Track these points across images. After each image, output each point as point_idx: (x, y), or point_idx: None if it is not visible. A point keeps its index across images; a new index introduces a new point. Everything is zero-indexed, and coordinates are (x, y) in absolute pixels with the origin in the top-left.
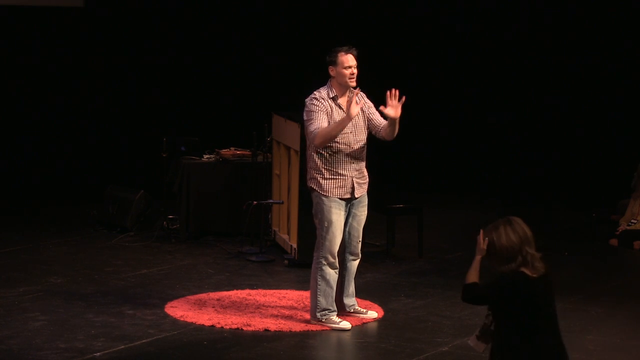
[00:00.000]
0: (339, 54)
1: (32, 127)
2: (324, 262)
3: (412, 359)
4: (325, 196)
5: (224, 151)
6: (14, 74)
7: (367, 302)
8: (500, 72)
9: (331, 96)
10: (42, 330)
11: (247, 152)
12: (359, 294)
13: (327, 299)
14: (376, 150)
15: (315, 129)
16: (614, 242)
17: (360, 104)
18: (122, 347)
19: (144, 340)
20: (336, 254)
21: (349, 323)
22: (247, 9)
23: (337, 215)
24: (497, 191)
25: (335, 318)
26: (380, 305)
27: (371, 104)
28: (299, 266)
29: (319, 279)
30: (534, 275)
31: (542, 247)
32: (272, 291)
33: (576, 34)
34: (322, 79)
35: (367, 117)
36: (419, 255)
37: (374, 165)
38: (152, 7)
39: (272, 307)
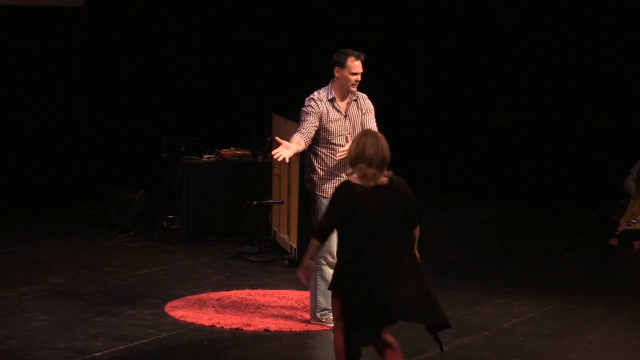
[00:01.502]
0: (349, 58)
1: (32, 127)
2: (323, 262)
3: (412, 359)
4: (323, 196)
5: (224, 151)
6: (13, 73)
7: None
8: (500, 72)
9: (329, 98)
10: (42, 330)
11: (247, 152)
12: None
13: (327, 299)
14: None
15: (297, 131)
16: (614, 242)
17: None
18: (122, 347)
19: (144, 340)
20: (335, 254)
21: None
22: (247, 9)
23: None
24: (497, 191)
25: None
26: None
27: (371, 108)
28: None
29: (318, 279)
30: (364, 185)
31: (542, 247)
32: (272, 291)
33: (575, 32)
34: (322, 80)
35: (362, 121)
36: (419, 255)
37: None
38: (152, 7)
39: (272, 307)
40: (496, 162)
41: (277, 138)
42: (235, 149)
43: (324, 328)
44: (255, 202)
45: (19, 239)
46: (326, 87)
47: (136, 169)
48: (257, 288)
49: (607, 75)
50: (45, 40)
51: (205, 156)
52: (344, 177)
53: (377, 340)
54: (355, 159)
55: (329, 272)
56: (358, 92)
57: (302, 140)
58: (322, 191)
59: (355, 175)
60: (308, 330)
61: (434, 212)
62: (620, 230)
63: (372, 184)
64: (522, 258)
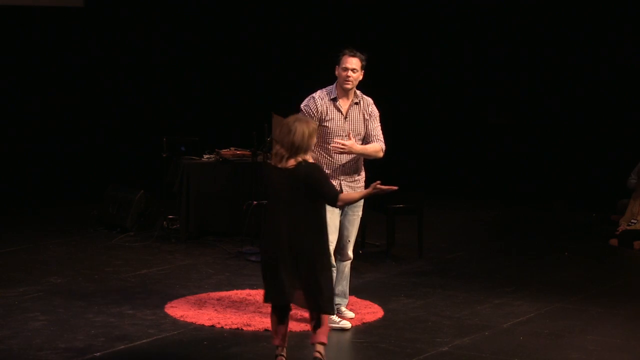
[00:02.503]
0: (343, 55)
1: (32, 127)
2: None
3: (412, 359)
4: None
5: (224, 151)
6: (13, 73)
7: (367, 302)
8: (500, 72)
9: (332, 97)
10: (42, 330)
11: (247, 152)
12: (359, 293)
13: None
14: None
15: None
16: (614, 242)
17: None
18: (122, 347)
19: (144, 340)
20: (331, 253)
21: (348, 323)
22: (247, 9)
23: (329, 215)
24: (497, 191)
25: (334, 317)
26: (380, 305)
27: (375, 114)
28: None
29: None
30: (276, 165)
31: (542, 247)
32: None
33: (577, 32)
34: (322, 80)
35: (366, 126)
36: (419, 255)
37: (374, 165)
38: (152, 7)
39: None
40: (496, 162)
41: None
42: (235, 149)
43: None
44: (255, 202)
45: (19, 239)
46: (331, 86)
47: (136, 169)
48: (257, 288)
49: (608, 75)
50: (45, 40)
51: (205, 156)
52: (336, 179)
53: (282, 301)
54: (275, 138)
55: None
56: (364, 96)
57: None
58: None
59: (273, 154)
60: (308, 330)
61: (434, 212)
62: (620, 230)
63: (281, 165)
64: (522, 258)
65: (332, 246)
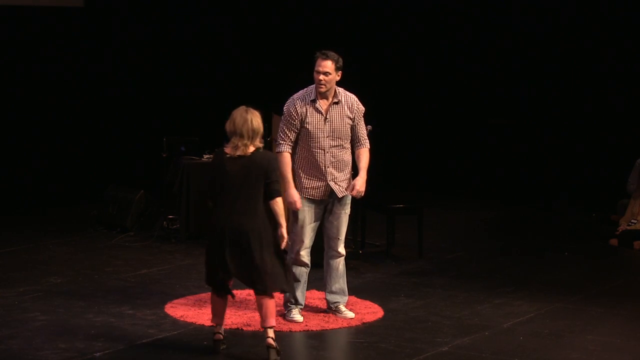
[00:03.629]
0: (316, 57)
1: (32, 127)
2: (290, 256)
3: (412, 359)
4: (302, 196)
5: None
6: (13, 73)
7: (367, 302)
8: (500, 73)
9: (311, 98)
10: (42, 330)
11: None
12: (359, 293)
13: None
14: (378, 151)
15: (279, 150)
16: (614, 242)
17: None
18: (122, 347)
19: (144, 340)
20: (302, 250)
21: (301, 317)
22: (247, 9)
23: (308, 214)
24: (497, 191)
25: (294, 311)
26: (380, 305)
27: (361, 112)
28: None
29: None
30: (233, 155)
31: (542, 247)
32: None
33: (578, 32)
34: None
35: (352, 125)
36: (419, 255)
37: (374, 165)
38: (151, 7)
39: None
40: (496, 162)
41: (290, 203)
42: None
43: (324, 328)
44: None
45: (19, 239)
46: (312, 85)
47: (136, 169)
48: None
49: (608, 75)
50: (45, 40)
51: (205, 156)
52: (321, 179)
53: (218, 286)
54: (229, 131)
55: (296, 267)
56: (347, 94)
57: (291, 158)
58: (302, 190)
59: (229, 145)
60: (308, 330)
61: (434, 212)
62: (620, 230)
63: (237, 153)
64: (522, 258)
65: (306, 242)
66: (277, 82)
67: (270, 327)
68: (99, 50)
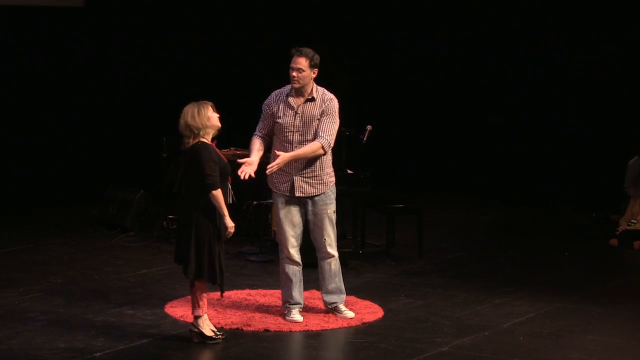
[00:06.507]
0: (291, 54)
1: (32, 127)
2: (281, 255)
3: (412, 359)
4: (274, 192)
5: (224, 151)
6: (13, 73)
7: (367, 302)
8: (500, 73)
9: (287, 93)
10: (42, 330)
11: (247, 152)
12: (359, 293)
13: (286, 292)
14: (377, 151)
15: (255, 134)
16: (614, 242)
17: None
18: (122, 347)
19: (144, 340)
20: (290, 248)
21: (301, 317)
22: (247, 9)
23: (285, 211)
24: (497, 191)
25: (293, 311)
26: (380, 305)
27: (329, 110)
28: None
29: (280, 273)
30: (184, 148)
31: (542, 247)
32: (272, 291)
33: (578, 32)
34: (322, 80)
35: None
36: (419, 255)
37: (373, 165)
38: (151, 7)
39: (272, 307)
40: (496, 161)
41: (238, 160)
42: (235, 149)
43: (323, 328)
44: (255, 202)
45: (18, 239)
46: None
47: (136, 169)
48: (257, 288)
49: (608, 75)
50: (45, 40)
51: None
52: (289, 174)
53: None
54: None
55: (288, 266)
56: (325, 92)
57: (262, 143)
58: (273, 185)
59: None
60: (308, 330)
61: (434, 212)
62: (620, 230)
63: (184, 147)
64: (522, 258)
65: (291, 240)
66: (277, 82)
67: (196, 317)
68: (99, 50)
